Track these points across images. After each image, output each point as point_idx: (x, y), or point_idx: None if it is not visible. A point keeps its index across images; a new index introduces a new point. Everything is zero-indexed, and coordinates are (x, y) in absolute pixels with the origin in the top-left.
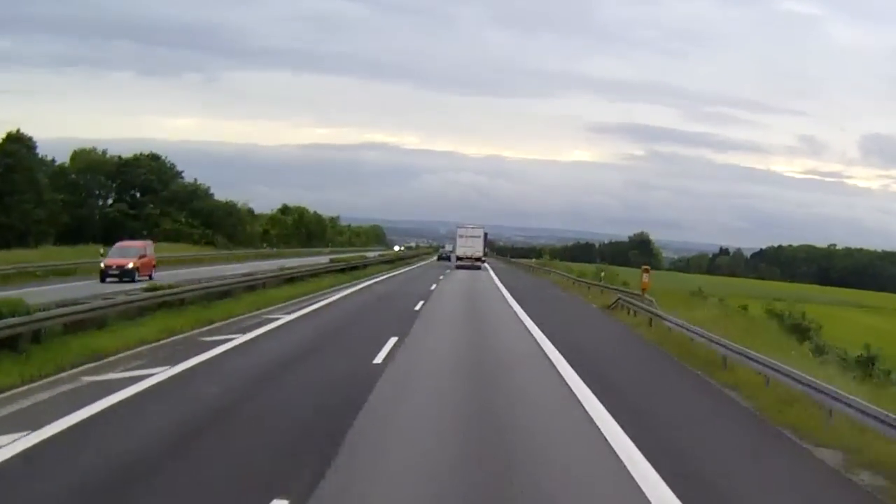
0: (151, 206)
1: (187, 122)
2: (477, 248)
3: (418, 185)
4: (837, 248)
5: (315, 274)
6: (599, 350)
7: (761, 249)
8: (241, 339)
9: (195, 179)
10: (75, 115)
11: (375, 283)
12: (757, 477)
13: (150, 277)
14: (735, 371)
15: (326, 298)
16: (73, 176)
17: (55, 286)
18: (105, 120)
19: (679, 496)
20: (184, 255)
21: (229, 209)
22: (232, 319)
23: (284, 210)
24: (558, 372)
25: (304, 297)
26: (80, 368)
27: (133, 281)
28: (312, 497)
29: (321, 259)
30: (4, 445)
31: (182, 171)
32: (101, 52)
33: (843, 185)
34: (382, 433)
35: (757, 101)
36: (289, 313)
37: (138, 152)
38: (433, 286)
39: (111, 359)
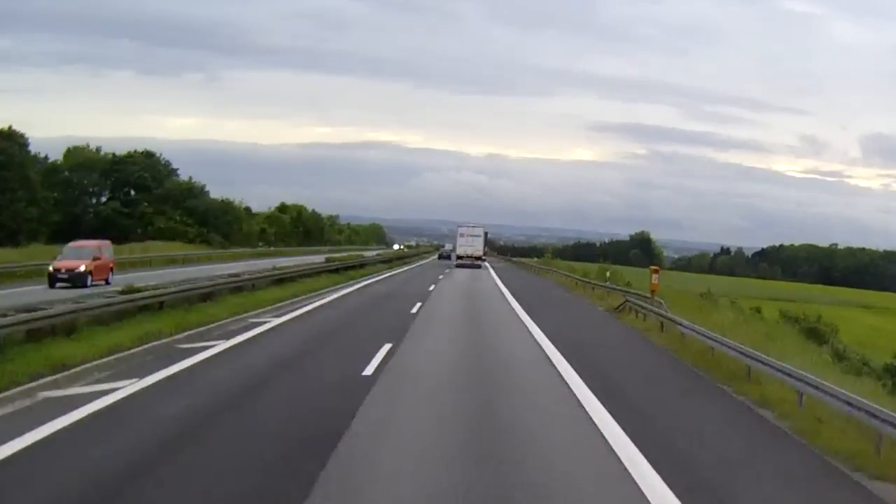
0: (145, 204)
1: (188, 122)
2: (477, 248)
3: (419, 183)
4: (839, 247)
5: (308, 274)
6: (612, 361)
7: (763, 249)
8: (221, 346)
9: (190, 177)
10: (76, 114)
11: (372, 283)
12: None
13: (107, 282)
14: (762, 384)
15: (318, 300)
16: (67, 173)
17: (11, 290)
18: (105, 119)
19: None
20: (176, 254)
21: (225, 207)
22: (215, 324)
23: (282, 208)
24: (571, 391)
25: (294, 300)
26: (39, 382)
27: (85, 286)
28: None
29: (317, 258)
30: None
31: (177, 169)
32: (101, 50)
33: (844, 184)
34: (360, 479)
35: (758, 100)
36: (276, 316)
37: (132, 150)
38: (432, 287)
39: (76, 370)
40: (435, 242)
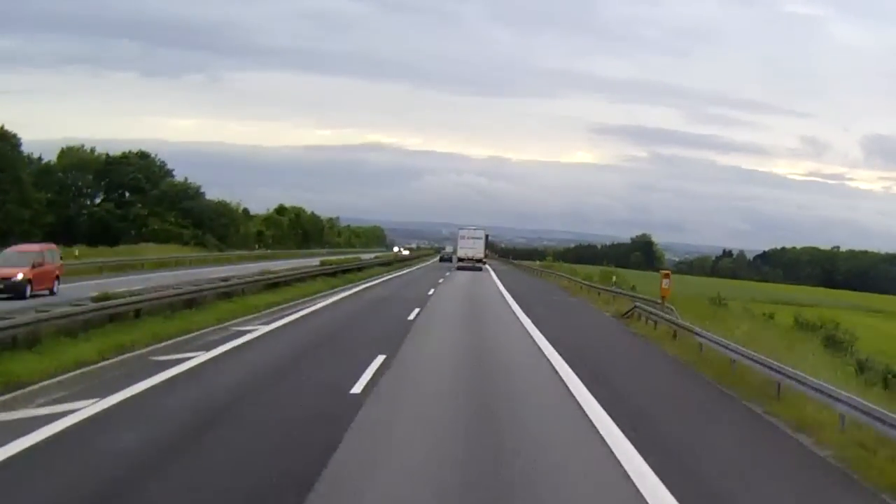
0: (139, 205)
1: (189, 123)
2: (478, 250)
3: (420, 186)
4: (841, 250)
5: (302, 278)
6: (626, 376)
7: (764, 252)
8: (199, 358)
9: (185, 178)
10: (76, 115)
11: (369, 287)
12: None
13: (52, 292)
14: (793, 402)
15: (311, 305)
16: (60, 174)
17: None
18: (106, 120)
19: None
20: (168, 257)
21: (221, 209)
22: (196, 333)
23: (280, 210)
24: (588, 418)
25: (285, 305)
26: None
27: (23, 297)
28: None
29: (313, 262)
30: None
31: (173, 170)
32: (102, 51)
33: (846, 186)
34: None
35: (759, 102)
36: (265, 324)
37: (127, 150)
38: (431, 291)
39: (32, 388)
40: (435, 245)
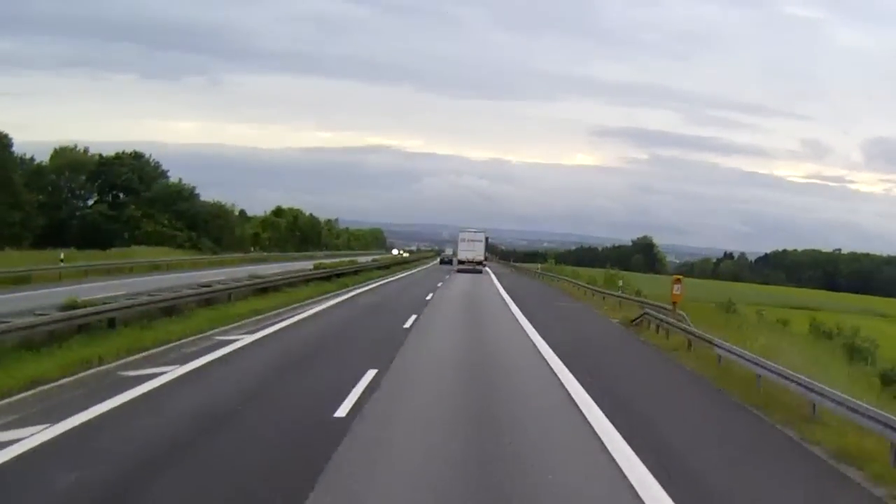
0: (132, 207)
1: (189, 126)
2: (478, 253)
3: (420, 188)
4: (842, 252)
5: (293, 283)
6: (642, 394)
7: (766, 254)
8: (172, 373)
9: (180, 179)
10: (76, 117)
11: (365, 291)
12: None
13: None
14: (831, 426)
15: (300, 313)
16: (53, 176)
17: None
18: (106, 123)
19: None
20: (159, 260)
21: (217, 211)
22: (174, 343)
23: (278, 212)
24: (604, 446)
25: (273, 312)
26: None
27: None
28: None
29: (309, 264)
30: None
31: (168, 171)
32: (102, 54)
33: (846, 189)
34: None
35: (760, 105)
36: (249, 333)
37: (121, 151)
38: (430, 295)
39: None
40: (436, 247)
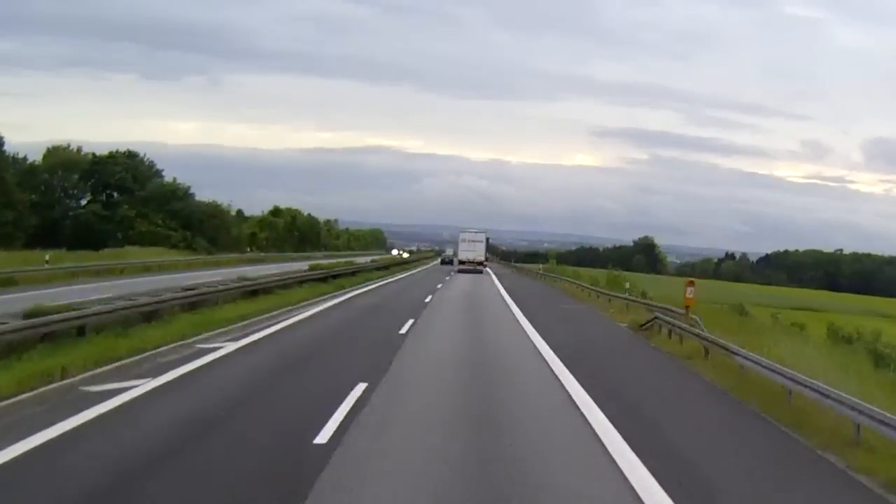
0: (126, 207)
1: (189, 126)
2: (479, 253)
3: (420, 188)
4: (844, 253)
5: (286, 284)
6: (660, 409)
7: (767, 254)
8: (142, 387)
9: (174, 178)
10: (76, 117)
11: (362, 293)
12: None
13: None
14: (880, 452)
15: (291, 317)
16: (46, 175)
17: None
18: (107, 123)
19: None
20: (151, 261)
21: (212, 211)
22: (150, 352)
23: (276, 212)
24: (625, 478)
25: (263, 316)
26: None
27: None
28: None
29: (305, 265)
30: None
31: (162, 170)
32: (103, 54)
33: (846, 189)
34: None
35: (760, 105)
36: (233, 340)
37: (114, 150)
38: (428, 297)
39: None
40: (436, 248)
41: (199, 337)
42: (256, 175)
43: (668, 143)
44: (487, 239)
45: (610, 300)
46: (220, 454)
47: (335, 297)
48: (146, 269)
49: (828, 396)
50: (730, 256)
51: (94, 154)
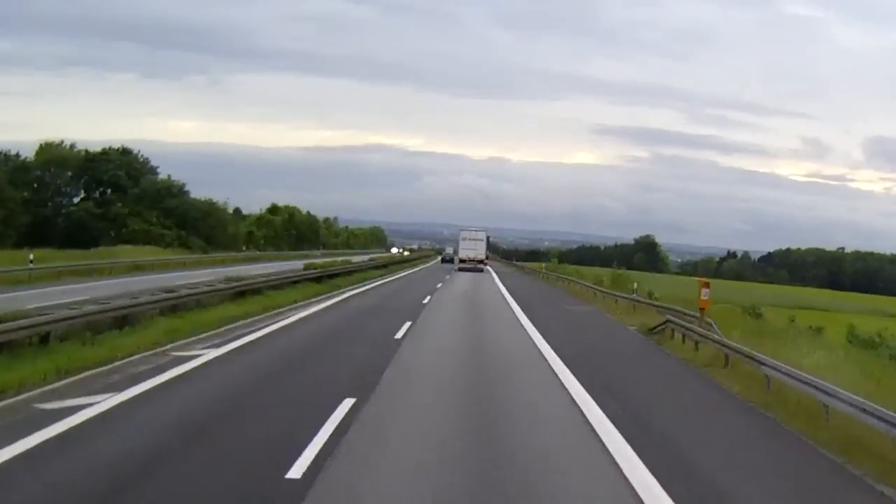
0: (119, 204)
1: (190, 125)
2: (479, 251)
3: (421, 187)
4: (846, 251)
5: (278, 285)
6: (683, 430)
7: (769, 253)
8: (103, 404)
9: (168, 175)
10: (77, 117)
11: (358, 293)
12: None
13: None
14: None
15: (280, 320)
16: (38, 172)
17: None
18: (107, 122)
19: None
20: (141, 260)
21: (208, 208)
22: (120, 362)
23: (273, 210)
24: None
25: (248, 320)
26: None
27: None
28: None
29: (300, 264)
30: None
31: (157, 167)
32: (103, 53)
33: (847, 188)
34: None
35: (761, 104)
36: (213, 347)
37: (108, 146)
38: (427, 298)
39: None
40: (437, 246)
41: (176, 344)
42: (257, 174)
43: (668, 142)
44: (488, 237)
45: (616, 301)
46: (170, 495)
47: (329, 297)
48: (136, 269)
49: (876, 416)
50: (731, 255)
51: (86, 151)
